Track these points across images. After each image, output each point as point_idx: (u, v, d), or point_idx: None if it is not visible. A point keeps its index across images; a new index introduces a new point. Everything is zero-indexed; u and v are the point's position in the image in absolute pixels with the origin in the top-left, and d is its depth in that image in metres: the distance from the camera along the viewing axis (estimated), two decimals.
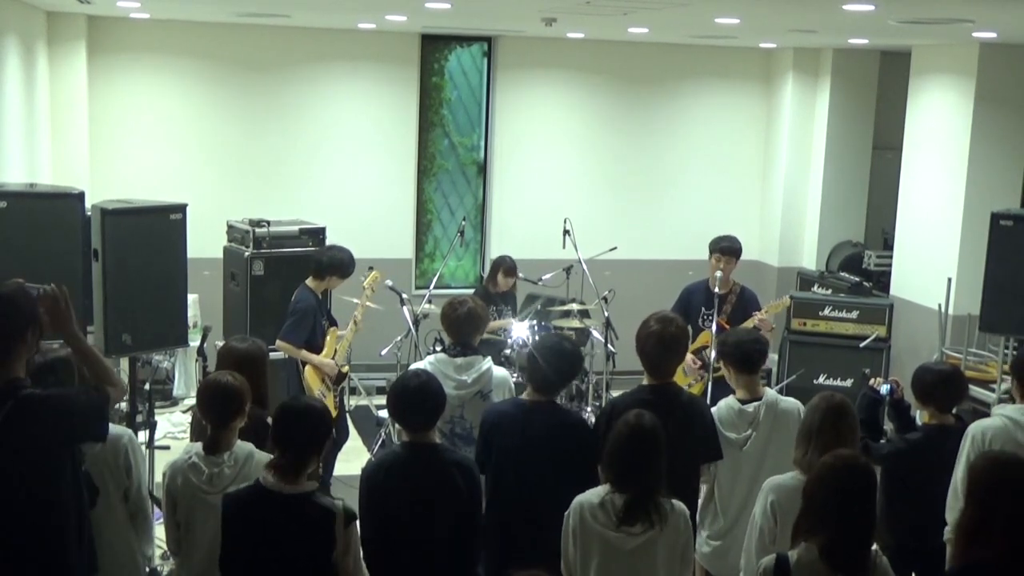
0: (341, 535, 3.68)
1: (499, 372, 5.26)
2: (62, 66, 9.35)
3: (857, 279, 9.71)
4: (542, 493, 4.39)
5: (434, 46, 10.57)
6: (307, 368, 6.77)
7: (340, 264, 6.93)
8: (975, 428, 4.72)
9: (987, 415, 5.45)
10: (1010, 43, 8.51)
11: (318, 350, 6.83)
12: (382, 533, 4.01)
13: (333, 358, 6.88)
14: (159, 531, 5.08)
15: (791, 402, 4.98)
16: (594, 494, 3.95)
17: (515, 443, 4.50)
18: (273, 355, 6.10)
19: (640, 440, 3.90)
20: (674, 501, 3.95)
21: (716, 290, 7.00)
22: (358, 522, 3.85)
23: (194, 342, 7.49)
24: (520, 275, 8.83)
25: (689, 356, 7.04)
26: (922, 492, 4.76)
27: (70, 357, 3.92)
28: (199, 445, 4.22)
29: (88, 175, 9.38)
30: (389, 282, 7.54)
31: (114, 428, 4.23)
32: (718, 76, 11.08)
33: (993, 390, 7.69)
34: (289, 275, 7.52)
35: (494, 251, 10.21)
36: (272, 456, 3.82)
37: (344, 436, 7.23)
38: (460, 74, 10.77)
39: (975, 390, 7.24)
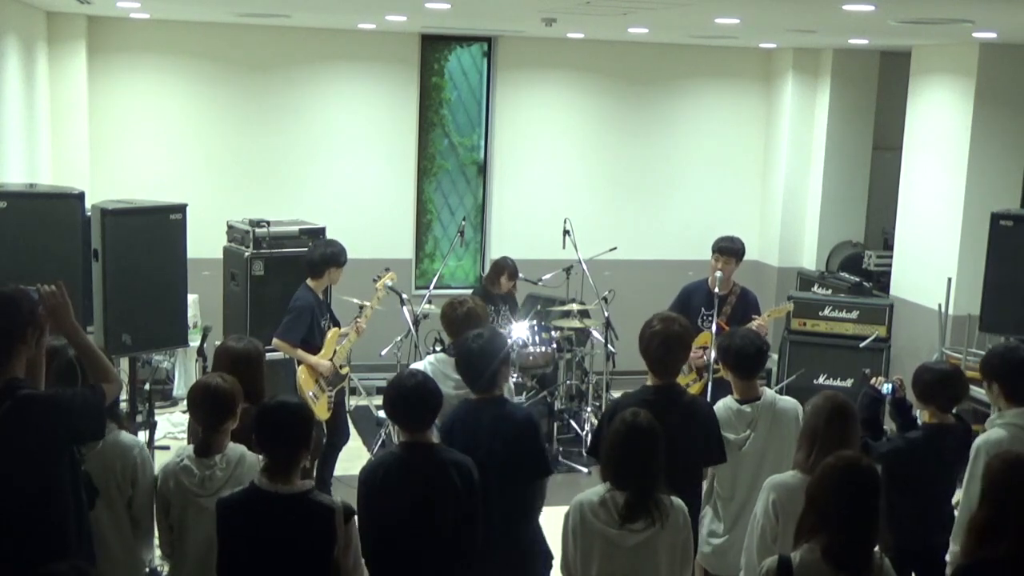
0: (342, 531, 3.68)
1: None
2: (62, 66, 9.35)
3: (857, 279, 9.72)
4: (494, 487, 4.38)
5: (434, 46, 10.57)
6: (301, 368, 6.76)
7: (332, 256, 6.91)
8: (986, 444, 4.57)
9: (986, 414, 5.42)
10: (1010, 43, 8.50)
11: (316, 350, 6.81)
12: (381, 533, 4.01)
13: (332, 358, 6.87)
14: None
15: (789, 402, 4.98)
16: (594, 493, 3.95)
17: (469, 441, 4.48)
18: (272, 355, 6.09)
19: (638, 438, 3.91)
20: (673, 498, 3.96)
21: (716, 290, 6.98)
22: (357, 521, 3.85)
23: (194, 342, 7.49)
24: (520, 275, 8.84)
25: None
26: (921, 491, 4.74)
27: (72, 357, 3.92)
28: (191, 448, 4.21)
29: (88, 175, 9.38)
30: (389, 282, 7.55)
31: (128, 437, 4.24)
32: (718, 76, 11.08)
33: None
34: (289, 275, 7.51)
35: (494, 251, 10.21)
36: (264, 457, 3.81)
37: (345, 437, 7.20)
38: (460, 74, 10.77)
39: (975, 390, 7.21)
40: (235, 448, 4.17)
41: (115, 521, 4.14)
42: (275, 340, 6.69)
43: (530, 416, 4.70)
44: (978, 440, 4.66)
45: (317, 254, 6.97)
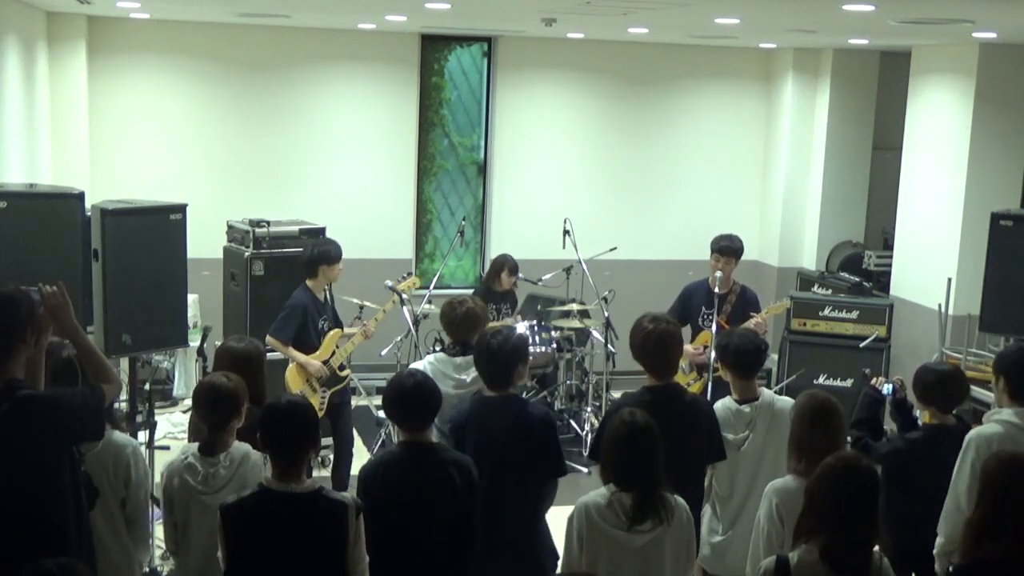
0: (354, 525, 3.69)
1: None
2: (62, 66, 9.35)
3: (857, 279, 9.71)
4: (508, 484, 4.40)
5: (434, 46, 10.57)
6: (291, 366, 6.77)
7: (322, 254, 6.90)
8: (977, 438, 4.57)
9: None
10: (1010, 43, 8.50)
11: (312, 350, 6.81)
12: (381, 532, 4.00)
13: (329, 360, 6.85)
14: (158, 531, 5.08)
15: (788, 402, 4.95)
16: (599, 495, 3.94)
17: (483, 438, 4.50)
18: (272, 355, 6.09)
19: (637, 437, 3.91)
20: (676, 496, 3.97)
21: (716, 290, 6.99)
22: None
23: (194, 342, 7.49)
24: (520, 275, 8.84)
25: (690, 346, 7.03)
26: (921, 492, 4.73)
27: (73, 357, 3.92)
28: (195, 446, 4.21)
29: (88, 175, 9.38)
30: (389, 282, 7.55)
31: (120, 436, 4.24)
32: (718, 76, 11.08)
33: (993, 390, 7.67)
34: (289, 275, 7.50)
35: (494, 251, 10.21)
36: (267, 456, 3.80)
37: (348, 446, 7.10)
38: (460, 74, 10.77)
39: (975, 390, 7.20)
40: (239, 447, 4.18)
41: (109, 521, 4.13)
42: (268, 338, 6.69)
43: (547, 415, 4.73)
44: (971, 432, 4.66)
45: (307, 255, 6.98)
